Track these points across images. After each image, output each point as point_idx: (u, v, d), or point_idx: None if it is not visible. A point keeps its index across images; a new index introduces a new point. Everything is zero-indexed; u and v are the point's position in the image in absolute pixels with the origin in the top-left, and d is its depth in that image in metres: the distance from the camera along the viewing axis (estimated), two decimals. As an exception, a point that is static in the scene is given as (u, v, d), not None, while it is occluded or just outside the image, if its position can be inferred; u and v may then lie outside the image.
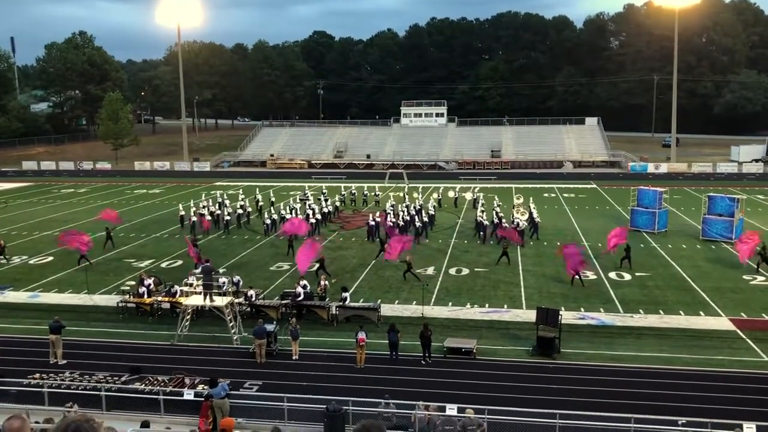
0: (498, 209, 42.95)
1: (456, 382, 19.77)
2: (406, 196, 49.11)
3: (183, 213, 44.58)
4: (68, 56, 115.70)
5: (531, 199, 47.60)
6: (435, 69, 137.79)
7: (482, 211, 41.74)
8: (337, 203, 49.62)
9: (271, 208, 47.18)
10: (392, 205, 45.19)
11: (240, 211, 44.53)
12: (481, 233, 39.12)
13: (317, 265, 31.21)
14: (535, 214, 40.83)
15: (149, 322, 25.78)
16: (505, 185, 63.48)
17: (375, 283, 30.65)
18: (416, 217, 41.02)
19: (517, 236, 35.90)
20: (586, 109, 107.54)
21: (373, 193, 54.34)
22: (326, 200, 48.58)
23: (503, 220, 39.52)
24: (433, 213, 43.75)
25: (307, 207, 45.08)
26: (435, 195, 49.20)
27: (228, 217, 43.09)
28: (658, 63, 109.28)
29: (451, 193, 52.20)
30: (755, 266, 31.49)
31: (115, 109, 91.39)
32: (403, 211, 42.79)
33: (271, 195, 51.12)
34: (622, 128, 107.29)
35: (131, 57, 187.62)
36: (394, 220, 40.48)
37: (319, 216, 42.83)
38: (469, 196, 51.68)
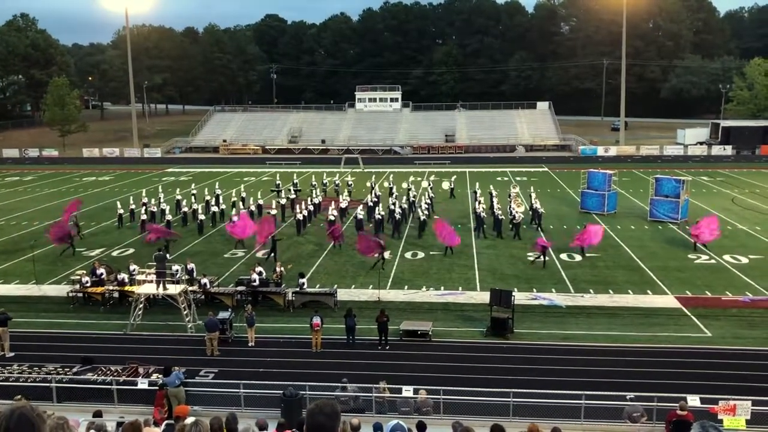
0: (496, 200, 40.34)
1: (412, 364, 20.01)
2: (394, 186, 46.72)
3: (121, 211, 40.68)
4: (10, 40, 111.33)
5: (532, 188, 46.81)
6: (389, 53, 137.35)
7: (480, 203, 39.43)
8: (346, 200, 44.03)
9: (217, 197, 43.86)
10: (377, 195, 42.41)
11: (185, 209, 41.10)
12: (481, 227, 36.69)
13: (271, 253, 31.33)
14: (537, 204, 38.94)
15: (101, 312, 25.33)
16: (459, 169, 63.93)
17: (331, 269, 30.69)
18: (407, 209, 38.47)
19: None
20: (537, 94, 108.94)
21: (345, 180, 51.44)
22: (298, 191, 45.53)
23: (500, 212, 37.16)
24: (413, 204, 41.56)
25: (297, 207, 39.25)
26: (404, 185, 46.28)
27: (170, 216, 39.39)
28: (607, 48, 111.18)
29: (424, 183, 49.55)
30: (693, 246, 32.72)
31: (61, 94, 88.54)
32: (395, 203, 38.97)
33: (217, 187, 48.62)
34: (573, 112, 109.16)
35: (77, 41, 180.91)
36: (383, 213, 37.94)
37: (305, 212, 38.43)
38: (446, 185, 49.42)
